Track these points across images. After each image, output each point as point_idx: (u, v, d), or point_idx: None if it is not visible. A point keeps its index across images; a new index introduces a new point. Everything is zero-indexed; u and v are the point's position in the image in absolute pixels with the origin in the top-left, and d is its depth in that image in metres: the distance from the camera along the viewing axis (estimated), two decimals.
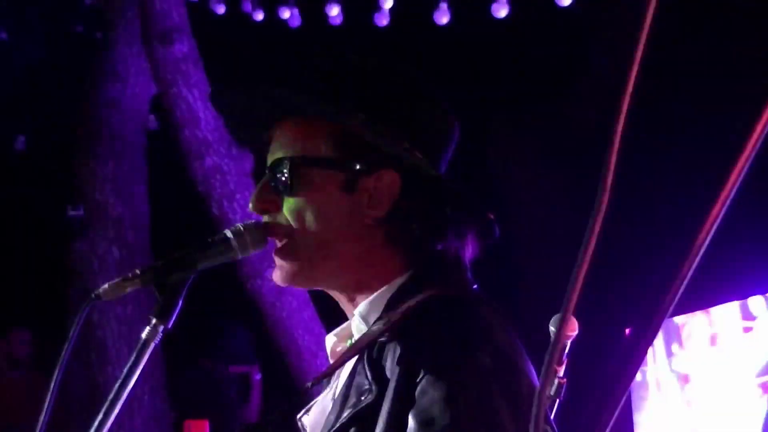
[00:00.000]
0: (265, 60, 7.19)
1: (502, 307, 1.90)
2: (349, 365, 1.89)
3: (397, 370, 1.77)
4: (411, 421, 1.72)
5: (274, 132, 2.03)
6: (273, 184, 1.97)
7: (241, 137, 2.20)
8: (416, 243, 1.94)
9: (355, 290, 1.97)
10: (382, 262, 1.94)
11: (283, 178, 1.95)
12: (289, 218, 1.95)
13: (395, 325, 1.82)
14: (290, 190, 1.94)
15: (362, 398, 1.79)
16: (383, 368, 1.80)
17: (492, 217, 1.99)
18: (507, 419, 1.71)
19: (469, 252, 1.99)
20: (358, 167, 1.93)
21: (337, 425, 1.80)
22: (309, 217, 1.94)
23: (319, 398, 2.00)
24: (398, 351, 1.79)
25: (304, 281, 2.00)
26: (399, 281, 1.93)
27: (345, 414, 1.80)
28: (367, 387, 1.79)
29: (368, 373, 1.80)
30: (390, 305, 1.89)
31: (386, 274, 1.94)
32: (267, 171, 2.00)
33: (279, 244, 1.97)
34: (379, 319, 1.88)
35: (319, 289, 2.03)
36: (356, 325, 1.95)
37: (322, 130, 1.96)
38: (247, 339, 7.94)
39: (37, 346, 8.20)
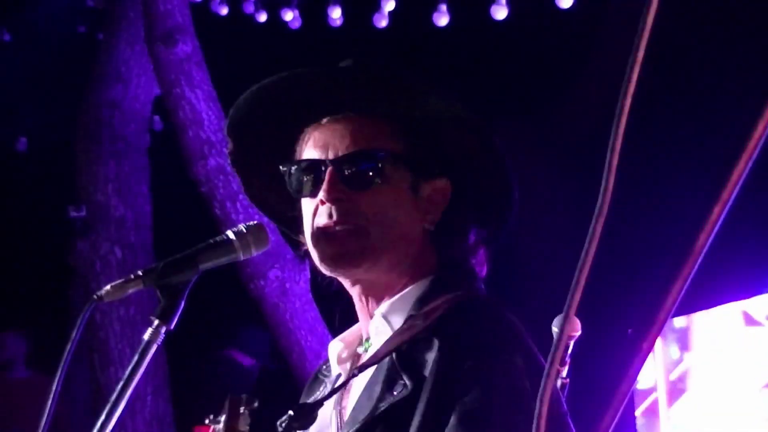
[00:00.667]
0: (267, 60, 7.19)
1: (513, 310, 1.92)
2: (371, 368, 1.88)
3: (435, 366, 1.78)
4: (452, 416, 1.73)
5: (318, 125, 2.02)
6: (345, 174, 1.96)
7: (269, 123, 2.12)
8: (451, 252, 1.97)
9: (385, 289, 1.98)
10: (417, 265, 1.97)
11: (366, 170, 1.95)
12: (367, 209, 1.95)
13: (433, 323, 1.83)
14: (373, 182, 1.95)
15: (395, 393, 1.79)
16: (418, 364, 1.80)
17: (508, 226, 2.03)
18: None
19: (482, 263, 2.02)
20: (423, 170, 1.96)
21: (373, 415, 1.80)
22: (385, 211, 1.95)
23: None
24: (436, 347, 1.80)
25: (360, 263, 1.96)
26: (422, 284, 1.95)
27: (378, 409, 1.80)
28: (401, 382, 1.80)
29: (401, 370, 1.81)
30: (417, 306, 1.90)
31: (413, 276, 1.97)
32: (331, 162, 1.97)
33: (339, 228, 1.94)
34: (410, 318, 1.89)
35: (350, 281, 2.01)
36: (376, 326, 1.94)
37: (395, 129, 1.97)
38: (260, 340, 7.92)
39: (38, 347, 8.18)
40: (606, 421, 1.03)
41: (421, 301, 1.90)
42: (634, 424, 6.77)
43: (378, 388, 1.83)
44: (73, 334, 1.85)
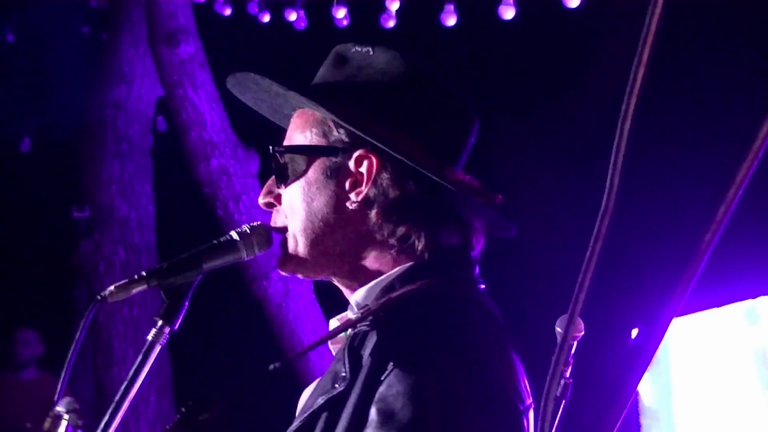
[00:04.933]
0: (271, 62, 7.19)
1: (503, 308, 1.89)
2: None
3: (369, 361, 1.75)
4: (373, 413, 1.70)
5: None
6: (274, 177, 2.01)
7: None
8: (404, 229, 1.91)
9: (351, 278, 1.96)
10: (376, 249, 1.93)
11: (275, 169, 1.99)
12: (284, 208, 1.98)
13: (375, 314, 1.82)
14: (282, 179, 1.98)
15: (336, 385, 1.77)
16: (361, 357, 1.79)
17: (501, 207, 1.98)
18: (467, 420, 1.69)
19: (477, 247, 1.97)
20: (339, 152, 1.94)
21: (313, 408, 1.79)
22: (298, 205, 1.96)
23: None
24: (373, 341, 1.78)
25: (299, 269, 2.00)
26: (397, 271, 1.91)
27: (320, 399, 1.79)
28: (343, 374, 1.78)
29: (346, 361, 1.79)
30: (380, 295, 1.88)
31: (385, 262, 1.93)
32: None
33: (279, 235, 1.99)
34: (365, 307, 1.87)
35: (320, 278, 2.03)
36: (351, 314, 1.94)
37: (311, 120, 1.98)
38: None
39: (44, 347, 8.20)
40: (610, 422, 1.03)
41: (387, 290, 1.88)
42: (638, 425, 6.77)
43: (326, 379, 1.83)
44: (77, 335, 1.85)
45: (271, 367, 1.79)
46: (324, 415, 1.77)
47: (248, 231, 1.97)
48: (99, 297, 1.88)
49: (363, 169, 1.92)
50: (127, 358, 7.09)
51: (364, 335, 1.81)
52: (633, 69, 0.96)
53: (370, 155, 1.92)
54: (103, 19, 8.14)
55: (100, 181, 7.43)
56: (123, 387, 1.85)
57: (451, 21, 6.76)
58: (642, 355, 1.00)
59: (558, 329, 1.76)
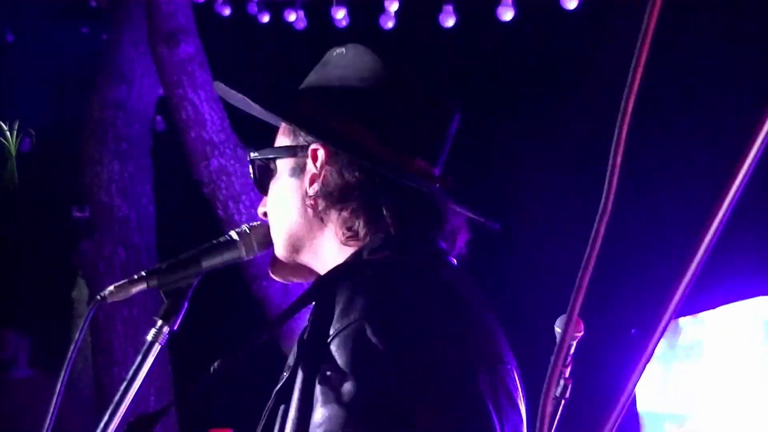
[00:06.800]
0: (271, 62, 7.20)
1: (502, 309, 1.88)
2: None
3: (310, 340, 1.76)
4: (318, 391, 1.68)
5: None
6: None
7: None
8: (347, 215, 1.90)
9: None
10: (337, 243, 1.92)
11: (257, 176, 2.03)
12: (268, 215, 2.00)
13: (317, 298, 1.83)
14: (264, 186, 2.01)
15: (284, 374, 1.79)
16: (304, 341, 1.79)
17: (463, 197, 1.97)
18: (412, 384, 1.67)
19: (446, 230, 1.95)
20: (300, 151, 1.95)
21: (269, 406, 1.81)
22: (273, 209, 1.99)
23: None
24: (307, 328, 1.79)
25: (285, 275, 2.02)
26: (350, 258, 1.90)
27: (274, 395, 1.80)
28: (289, 363, 1.80)
29: (295, 349, 1.81)
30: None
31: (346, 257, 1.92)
32: None
33: None
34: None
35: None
36: None
37: (282, 127, 2.01)
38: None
39: (41, 347, 8.18)
40: (609, 422, 1.03)
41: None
42: (638, 425, 6.77)
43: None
44: (77, 335, 1.86)
45: (212, 368, 1.80)
46: (281, 408, 1.77)
47: (248, 231, 1.98)
48: (99, 297, 1.89)
49: (318, 163, 1.92)
50: (127, 358, 7.08)
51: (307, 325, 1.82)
52: (631, 69, 0.96)
53: (321, 149, 1.92)
54: (103, 19, 8.13)
55: (100, 181, 7.42)
56: (123, 387, 1.86)
57: (449, 22, 6.77)
58: (640, 355, 1.00)
59: (557, 329, 1.76)
